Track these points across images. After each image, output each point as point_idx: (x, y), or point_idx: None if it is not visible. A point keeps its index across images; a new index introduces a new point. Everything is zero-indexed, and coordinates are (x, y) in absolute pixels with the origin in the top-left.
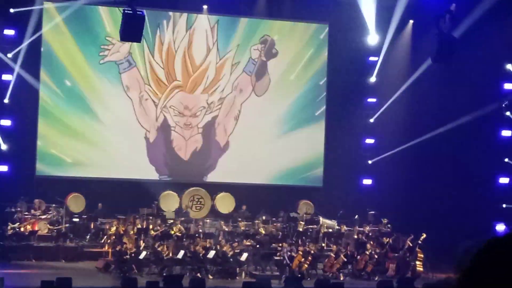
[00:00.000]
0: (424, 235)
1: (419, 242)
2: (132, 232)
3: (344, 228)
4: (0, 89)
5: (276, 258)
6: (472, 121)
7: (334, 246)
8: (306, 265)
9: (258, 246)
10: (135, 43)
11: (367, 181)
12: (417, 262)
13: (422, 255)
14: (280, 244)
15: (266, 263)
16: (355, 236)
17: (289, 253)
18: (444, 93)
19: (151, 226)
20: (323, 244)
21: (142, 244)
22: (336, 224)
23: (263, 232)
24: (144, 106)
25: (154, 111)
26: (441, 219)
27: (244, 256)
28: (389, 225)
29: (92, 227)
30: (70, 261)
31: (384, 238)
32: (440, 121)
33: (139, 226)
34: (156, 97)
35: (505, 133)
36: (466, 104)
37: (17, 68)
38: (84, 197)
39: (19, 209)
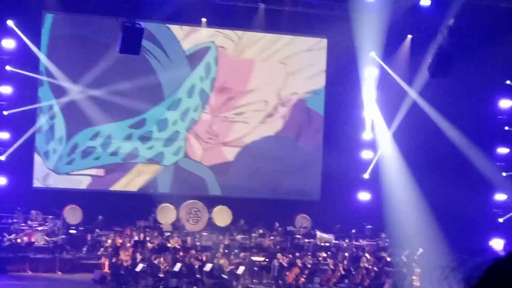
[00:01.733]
0: (421, 250)
1: (415, 257)
2: (129, 244)
3: (341, 242)
4: None
5: (272, 271)
6: (473, 135)
7: (331, 260)
8: (303, 279)
9: (255, 259)
10: None
11: (365, 195)
12: (414, 277)
13: (419, 270)
14: (276, 258)
15: (262, 277)
16: (352, 250)
17: (280, 263)
18: (443, 107)
19: (148, 239)
20: (320, 258)
21: (138, 257)
22: (333, 238)
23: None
24: None
25: None
26: (438, 234)
27: (241, 269)
28: (387, 240)
29: (89, 239)
30: (66, 272)
31: (381, 253)
32: (438, 134)
33: (136, 238)
34: None
35: (502, 150)
36: (464, 118)
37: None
38: (81, 209)
39: (15, 220)
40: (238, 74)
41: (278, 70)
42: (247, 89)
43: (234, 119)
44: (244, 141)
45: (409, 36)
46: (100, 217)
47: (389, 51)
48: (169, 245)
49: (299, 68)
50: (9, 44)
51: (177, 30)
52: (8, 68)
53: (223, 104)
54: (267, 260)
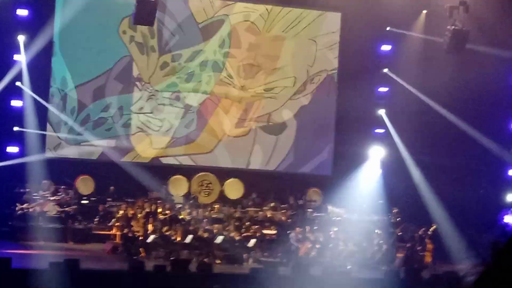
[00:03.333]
0: (434, 226)
1: (429, 233)
2: (140, 215)
3: (353, 217)
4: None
5: (284, 244)
6: (484, 111)
7: (342, 235)
8: (313, 253)
9: (266, 232)
10: None
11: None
12: (426, 253)
13: (431, 246)
14: (289, 231)
15: (273, 250)
16: (363, 225)
17: (298, 239)
18: (457, 84)
19: (159, 210)
20: (331, 233)
21: (150, 228)
22: (344, 213)
23: (273, 218)
24: None
25: None
26: (450, 210)
27: (252, 242)
28: (398, 215)
29: (100, 209)
30: (78, 242)
31: (393, 228)
32: (452, 111)
33: (148, 210)
34: None
35: None
36: (479, 95)
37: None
38: (93, 179)
39: (28, 190)
40: (267, 50)
41: (307, 47)
42: (277, 66)
43: (264, 95)
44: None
45: (424, 12)
46: (112, 187)
47: (404, 27)
48: (180, 216)
49: (328, 45)
50: (23, 12)
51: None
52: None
53: (253, 79)
54: (278, 233)
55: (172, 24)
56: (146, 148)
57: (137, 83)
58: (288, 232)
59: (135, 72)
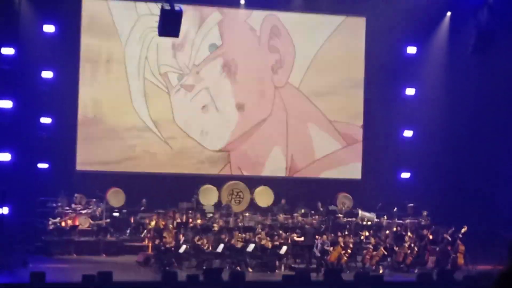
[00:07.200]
0: (466, 228)
1: (460, 235)
2: (171, 226)
3: (383, 220)
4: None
5: (313, 251)
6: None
7: (373, 239)
8: (345, 258)
9: (299, 238)
10: None
11: (406, 174)
12: (458, 255)
13: (463, 247)
14: (317, 237)
15: (306, 256)
16: (394, 229)
17: (322, 246)
18: (483, 85)
19: (190, 220)
20: (362, 237)
21: (181, 238)
22: (375, 217)
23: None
24: None
25: None
26: (481, 211)
27: (284, 249)
28: (428, 218)
29: (132, 221)
30: (110, 255)
31: (424, 231)
32: (479, 112)
33: (179, 220)
34: None
35: None
36: (505, 96)
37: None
38: (124, 192)
39: (59, 204)
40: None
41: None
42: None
43: None
44: None
45: (448, 13)
46: (144, 200)
47: (427, 29)
48: (212, 226)
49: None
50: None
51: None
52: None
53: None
54: (308, 240)
55: None
56: (175, 158)
57: None
58: (318, 238)
59: None
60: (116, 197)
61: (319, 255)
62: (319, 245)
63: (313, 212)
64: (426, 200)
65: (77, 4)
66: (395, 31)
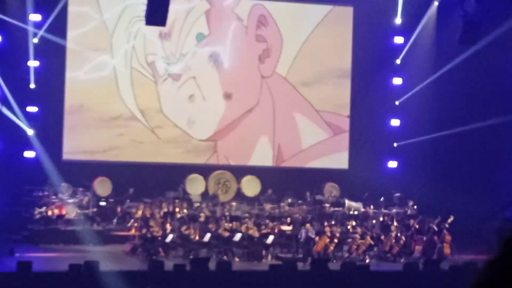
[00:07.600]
0: (452, 218)
1: (446, 225)
2: (158, 215)
3: (370, 210)
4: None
5: (300, 240)
6: (500, 103)
7: (360, 229)
8: (332, 248)
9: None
10: None
11: (393, 164)
12: (444, 245)
13: (449, 237)
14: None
15: (293, 246)
16: (381, 219)
17: (306, 234)
18: (470, 75)
19: (177, 209)
20: (349, 227)
21: (168, 227)
22: (361, 207)
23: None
24: None
25: None
26: (468, 201)
27: (270, 238)
28: (415, 207)
29: (118, 210)
30: (97, 244)
31: (410, 220)
32: (466, 102)
33: (166, 209)
34: None
35: None
36: (492, 86)
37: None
38: (110, 181)
39: (46, 193)
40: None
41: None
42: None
43: None
44: None
45: (436, 3)
46: (131, 189)
47: (415, 19)
48: (199, 216)
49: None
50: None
51: None
52: (35, 40)
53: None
54: (295, 229)
55: None
56: (162, 148)
57: None
58: (303, 228)
59: None
60: (102, 186)
61: (304, 243)
62: (303, 233)
63: (300, 201)
64: (413, 190)
65: None
66: (383, 20)
